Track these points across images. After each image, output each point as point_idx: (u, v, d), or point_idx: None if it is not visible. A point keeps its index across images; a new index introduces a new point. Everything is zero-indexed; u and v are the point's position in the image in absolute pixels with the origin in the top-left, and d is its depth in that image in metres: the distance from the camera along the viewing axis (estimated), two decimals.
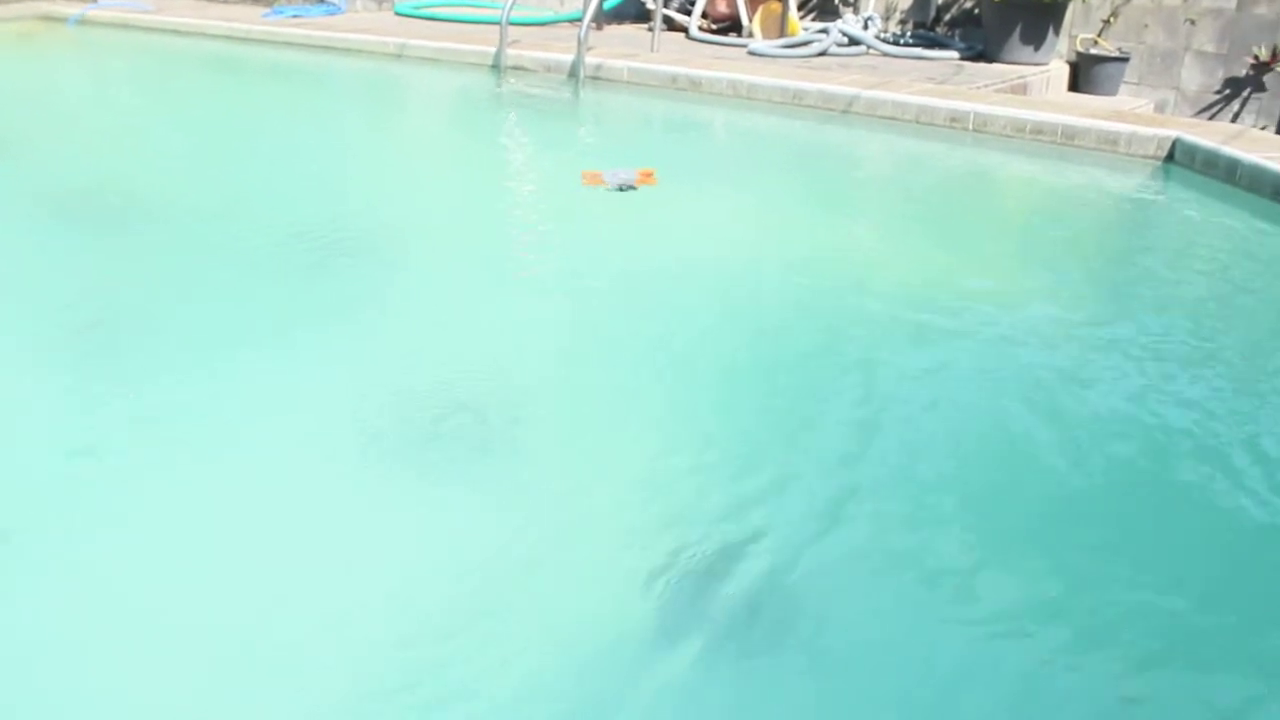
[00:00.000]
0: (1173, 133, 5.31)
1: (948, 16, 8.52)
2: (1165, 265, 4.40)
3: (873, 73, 7.05)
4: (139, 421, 2.83)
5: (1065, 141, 5.57)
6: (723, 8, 8.93)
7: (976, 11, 8.23)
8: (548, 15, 9.32)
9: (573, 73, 7.41)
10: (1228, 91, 7.38)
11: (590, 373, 3.22)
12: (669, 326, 3.51)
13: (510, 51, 7.75)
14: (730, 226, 4.67)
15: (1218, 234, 4.70)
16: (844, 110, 6.28)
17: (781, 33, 8.30)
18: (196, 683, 1.95)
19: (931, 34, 8.43)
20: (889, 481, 2.62)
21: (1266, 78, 7.19)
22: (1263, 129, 7.12)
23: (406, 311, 3.64)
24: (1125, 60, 7.63)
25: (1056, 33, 7.62)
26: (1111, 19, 7.74)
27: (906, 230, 4.74)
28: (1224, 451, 2.75)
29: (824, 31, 8.03)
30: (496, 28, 7.82)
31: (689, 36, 8.83)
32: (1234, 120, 7.33)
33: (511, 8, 7.69)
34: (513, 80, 7.63)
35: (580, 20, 7.43)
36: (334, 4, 10.13)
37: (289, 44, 9.00)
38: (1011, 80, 7.08)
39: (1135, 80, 7.73)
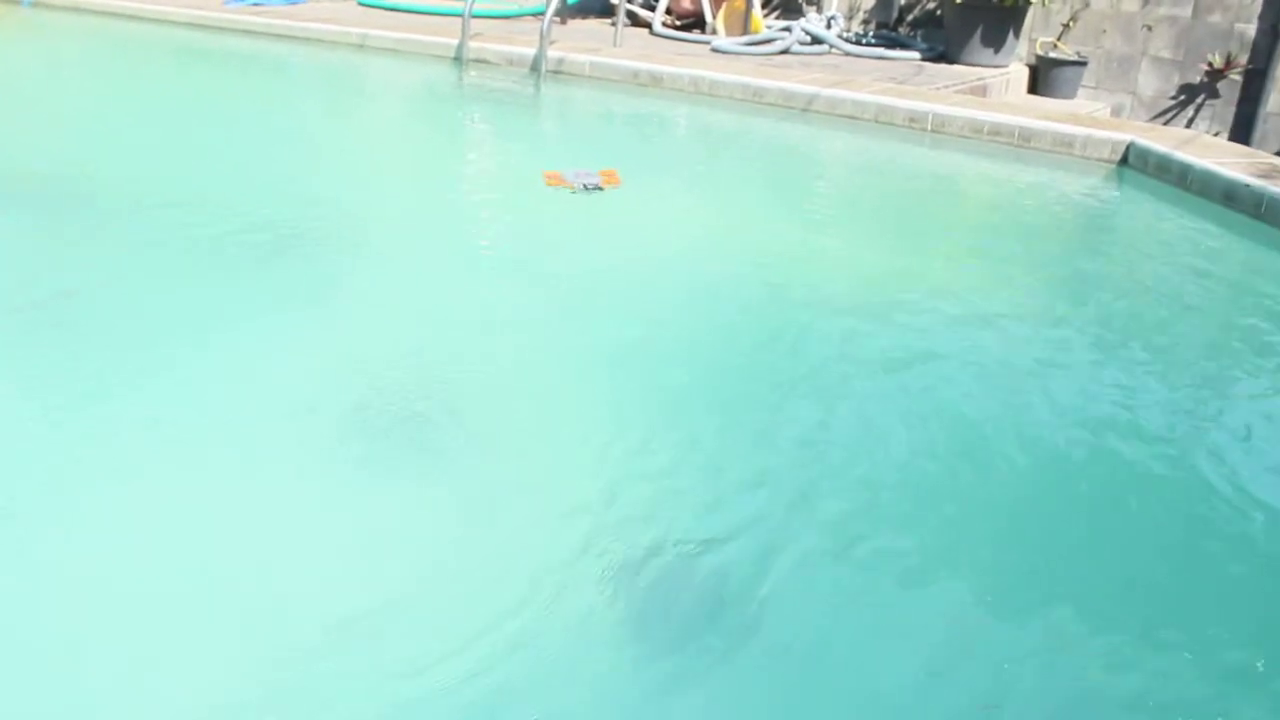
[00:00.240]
0: (1127, 137, 5.37)
1: (910, 17, 8.57)
2: (1114, 266, 4.44)
3: (834, 72, 7.07)
4: (87, 410, 2.78)
5: (1022, 143, 5.62)
6: (686, 4, 8.93)
7: (938, 13, 8.29)
8: (511, 9, 9.29)
9: (535, 66, 7.38)
10: (1183, 97, 7.47)
11: (548, 366, 3.21)
12: (625, 322, 3.50)
13: (473, 44, 7.71)
14: (686, 223, 4.66)
15: (1167, 237, 4.76)
16: (804, 108, 6.30)
17: (745, 30, 8.31)
18: (146, 667, 1.92)
19: (894, 34, 8.48)
20: (843, 477, 2.62)
21: (1220, 84, 7.28)
22: (1216, 135, 7.23)
23: (359, 304, 3.61)
24: (1084, 64, 7.71)
25: (1016, 36, 7.68)
26: (1071, 23, 7.81)
27: (860, 229, 4.76)
28: (1170, 444, 2.79)
29: (787, 30, 8.06)
30: (459, 20, 7.78)
31: (652, 32, 8.83)
32: (1189, 125, 7.42)
33: (475, 1, 7.66)
34: (474, 73, 7.59)
35: (543, 14, 7.40)
36: None
37: (250, 32, 8.91)
38: (971, 82, 7.13)
39: (1093, 84, 7.81)
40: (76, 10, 9.83)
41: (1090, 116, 6.33)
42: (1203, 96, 7.40)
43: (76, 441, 2.67)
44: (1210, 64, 7.26)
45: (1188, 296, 3.99)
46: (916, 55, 7.85)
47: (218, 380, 2.98)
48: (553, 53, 7.33)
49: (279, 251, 4.01)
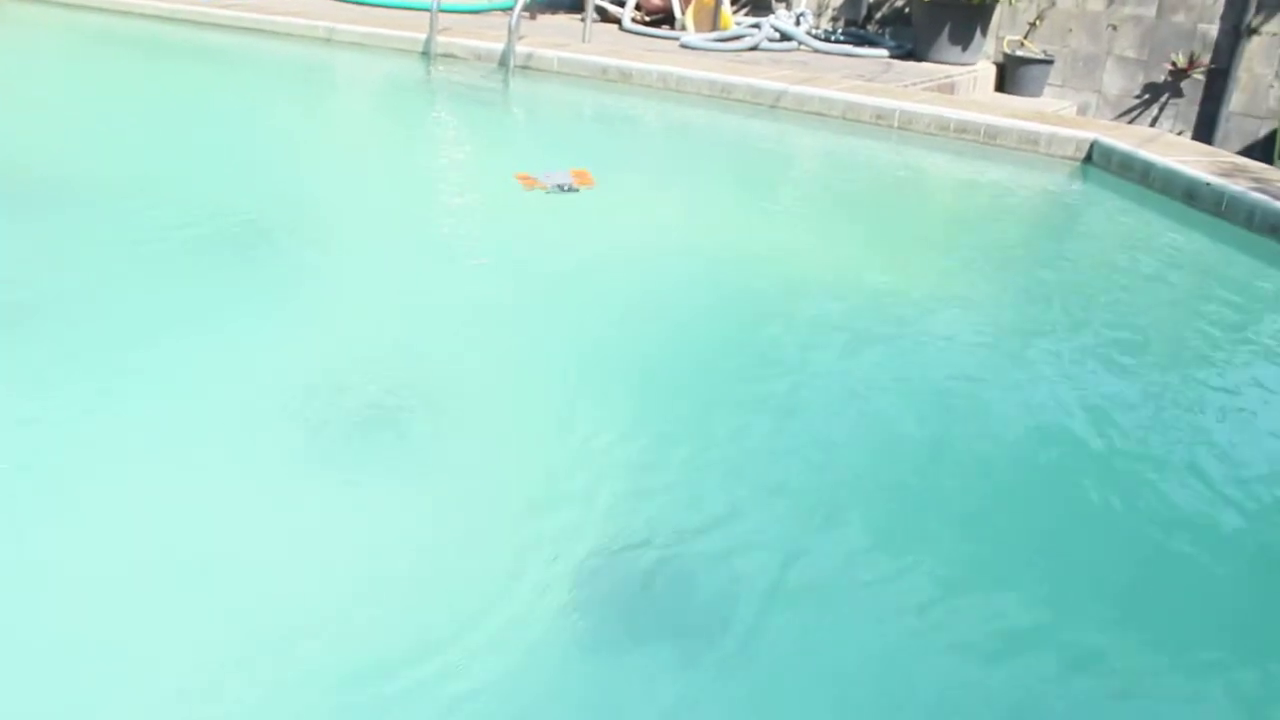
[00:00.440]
0: (1091, 135, 5.41)
1: (879, 15, 8.60)
2: (1074, 263, 4.48)
3: (803, 68, 7.08)
4: (46, 406, 2.74)
5: (987, 141, 5.65)
6: (656, 0, 8.92)
7: (907, 11, 8.32)
8: (480, 3, 9.24)
9: (503, 61, 7.35)
10: (1147, 96, 7.54)
11: (512, 361, 3.19)
12: (589, 319, 3.49)
13: (440, 39, 7.66)
14: (651, 218, 4.66)
15: (1129, 234, 4.80)
16: (772, 105, 6.31)
17: (714, 26, 8.31)
18: (107, 665, 1.90)
19: (862, 32, 8.51)
20: (801, 477, 2.62)
21: (1184, 84, 7.36)
22: (1179, 134, 7.30)
23: (321, 301, 3.57)
24: (1050, 63, 7.77)
25: (984, 34, 7.72)
26: (1037, 22, 7.86)
27: (825, 224, 4.77)
28: (1126, 437, 2.81)
29: (756, 26, 8.07)
30: (427, 14, 7.73)
31: (622, 28, 8.82)
32: (1153, 124, 7.49)
33: None
34: (442, 68, 7.54)
35: (512, 9, 7.36)
36: None
37: (216, 25, 8.81)
38: (939, 79, 7.16)
39: (1059, 83, 7.86)
40: (38, 1, 9.69)
41: (1056, 115, 6.37)
42: (1167, 95, 7.47)
43: (43, 438, 2.62)
44: (1174, 63, 7.33)
45: (1147, 293, 4.03)
46: (885, 53, 7.88)
47: (173, 379, 2.95)
48: (521, 48, 7.30)
49: (239, 249, 3.97)
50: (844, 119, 6.05)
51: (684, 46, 7.90)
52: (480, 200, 4.88)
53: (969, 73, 7.57)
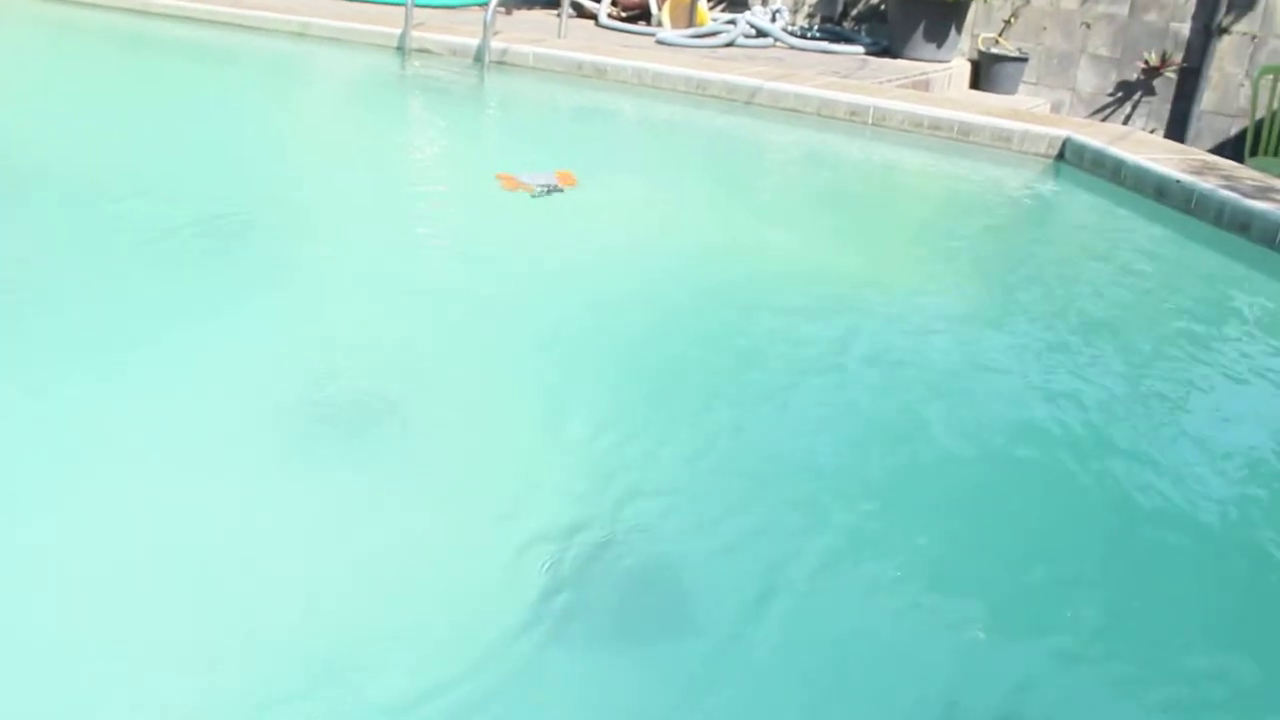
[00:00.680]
0: (1063, 132, 5.43)
1: (854, 12, 8.61)
2: (1045, 258, 4.50)
3: (778, 65, 7.09)
4: (33, 404, 2.71)
5: (961, 138, 5.67)
6: None
7: (882, 8, 8.34)
8: None
9: (478, 57, 7.32)
10: (1120, 94, 7.58)
11: (495, 358, 3.18)
12: (569, 315, 3.48)
13: (415, 33, 7.62)
14: (627, 214, 4.65)
15: (1099, 230, 4.83)
16: (747, 101, 6.31)
17: (690, 22, 8.31)
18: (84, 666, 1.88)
19: (838, 28, 8.52)
20: (784, 471, 2.62)
21: (1156, 82, 7.40)
22: (1152, 131, 7.34)
23: (292, 296, 3.55)
24: (1024, 60, 7.80)
25: (959, 31, 7.75)
26: (1012, 20, 7.90)
27: (799, 221, 4.78)
28: (1099, 434, 2.83)
29: (732, 23, 8.06)
30: (402, 9, 7.69)
31: (598, 24, 8.80)
32: (1125, 122, 7.54)
33: None
34: (417, 63, 7.51)
35: (487, 4, 7.33)
36: None
37: (188, 18, 8.74)
38: (914, 76, 7.18)
39: (1034, 80, 7.90)
40: None
41: (1029, 112, 6.40)
42: (1139, 93, 7.51)
43: (32, 435, 2.59)
44: (1146, 62, 7.38)
45: (1116, 289, 4.05)
46: (860, 50, 7.89)
47: (145, 373, 2.92)
48: (496, 43, 7.27)
49: (210, 246, 3.94)
50: (819, 115, 6.06)
51: (660, 42, 7.89)
52: (457, 197, 4.86)
53: (944, 70, 7.59)
